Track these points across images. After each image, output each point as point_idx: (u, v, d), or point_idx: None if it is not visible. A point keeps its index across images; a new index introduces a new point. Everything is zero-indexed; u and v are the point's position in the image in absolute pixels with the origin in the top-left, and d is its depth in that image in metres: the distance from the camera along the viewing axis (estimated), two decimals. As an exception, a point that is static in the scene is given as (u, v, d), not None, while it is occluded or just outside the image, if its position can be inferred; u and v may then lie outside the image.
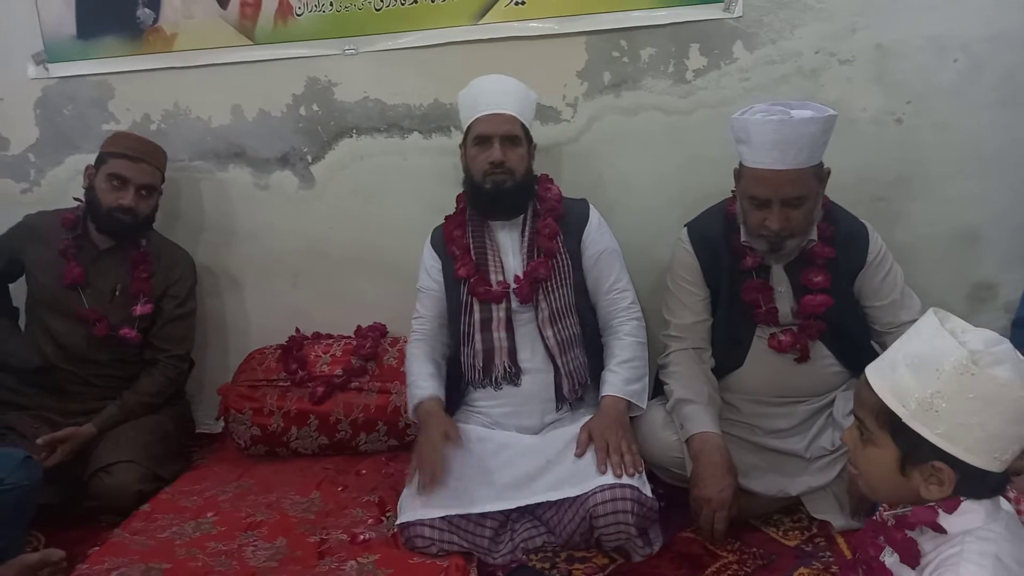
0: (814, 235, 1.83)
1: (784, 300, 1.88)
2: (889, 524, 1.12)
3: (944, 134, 2.16)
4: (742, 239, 1.86)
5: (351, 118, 2.38)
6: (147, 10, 2.39)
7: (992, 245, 2.23)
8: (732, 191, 1.93)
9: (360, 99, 2.37)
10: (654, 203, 2.27)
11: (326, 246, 2.50)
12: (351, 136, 2.40)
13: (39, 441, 2.01)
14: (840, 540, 1.77)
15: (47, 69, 2.49)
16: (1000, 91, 2.11)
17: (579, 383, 1.94)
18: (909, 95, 2.14)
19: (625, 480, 1.68)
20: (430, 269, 2.06)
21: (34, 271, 2.27)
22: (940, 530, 1.05)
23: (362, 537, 1.81)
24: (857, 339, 1.90)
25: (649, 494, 1.71)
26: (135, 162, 2.20)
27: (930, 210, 2.21)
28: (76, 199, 2.30)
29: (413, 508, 1.73)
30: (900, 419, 1.04)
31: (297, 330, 2.45)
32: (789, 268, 1.86)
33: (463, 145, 2.00)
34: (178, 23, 2.39)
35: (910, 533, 1.08)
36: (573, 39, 2.22)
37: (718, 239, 1.91)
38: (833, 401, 1.91)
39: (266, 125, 2.43)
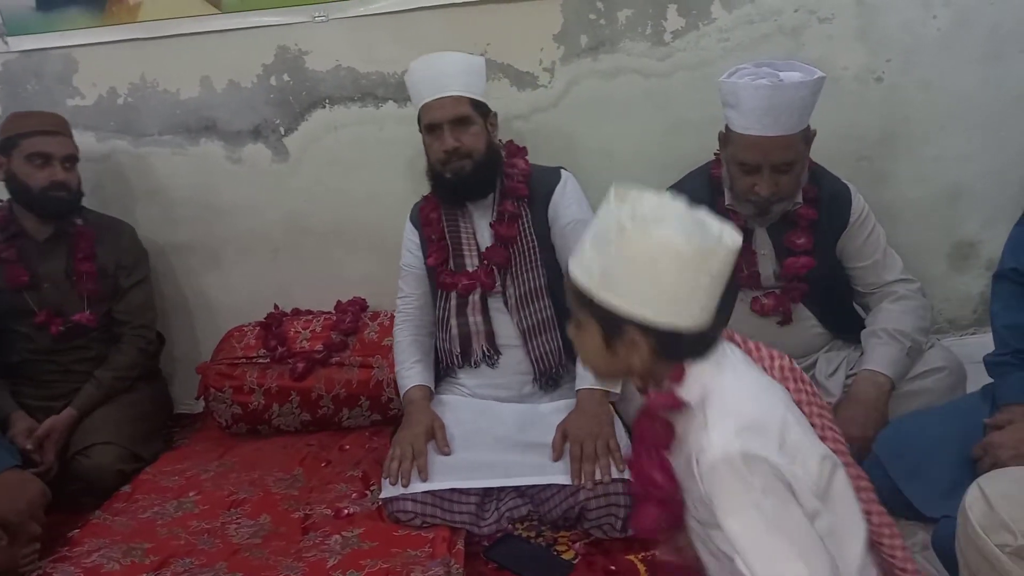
0: (799, 198, 1.81)
1: (766, 263, 1.87)
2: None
3: (928, 91, 2.14)
4: (726, 203, 1.84)
5: (323, 88, 2.33)
6: (109, -20, 2.31)
7: (975, 203, 2.22)
8: (716, 153, 1.90)
9: (332, 68, 2.31)
10: (634, 168, 2.24)
11: (303, 220, 2.46)
12: (324, 106, 2.34)
13: (28, 446, 1.99)
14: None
15: (6, 43, 2.40)
16: (984, 47, 2.09)
17: (552, 366, 1.91)
18: (891, 52, 2.12)
19: (615, 474, 1.65)
20: (411, 247, 2.03)
21: None
22: (680, 403, 1.07)
23: (346, 511, 1.79)
24: (839, 300, 1.90)
25: None
26: (52, 135, 2.13)
27: (913, 169, 2.20)
28: None
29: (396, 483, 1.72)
30: (590, 294, 1.07)
31: (276, 307, 2.41)
32: (772, 231, 1.85)
33: (419, 124, 1.93)
34: (142, -8, 2.31)
35: (668, 416, 1.10)
36: (549, 1, 2.17)
37: (701, 202, 1.85)
38: (816, 363, 1.91)
39: (236, 97, 2.36)
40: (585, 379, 1.82)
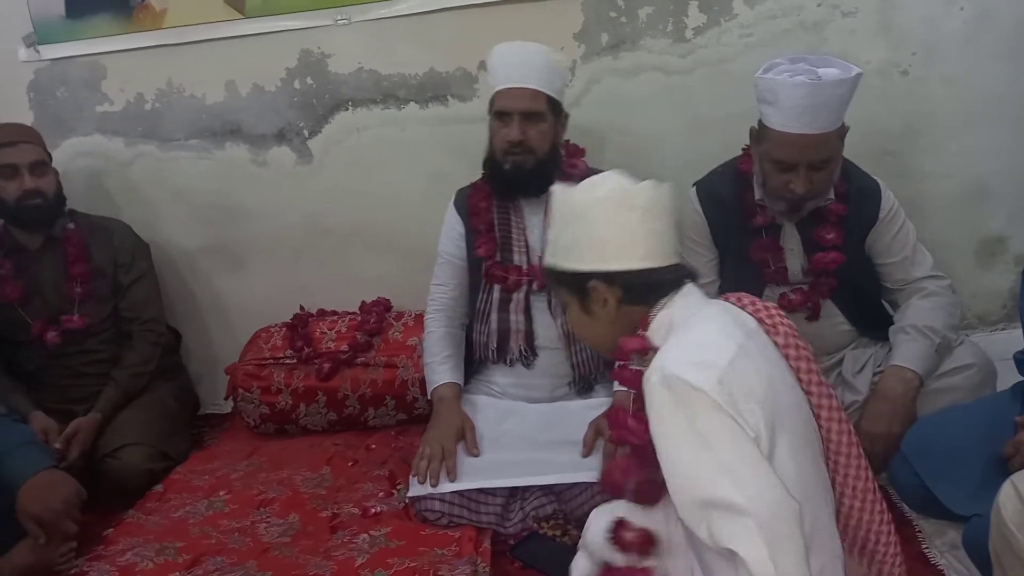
0: (831, 194, 1.80)
1: (794, 258, 1.85)
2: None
3: (952, 86, 2.11)
4: (756, 198, 1.83)
5: (346, 90, 2.35)
6: (135, -14, 2.35)
7: (1002, 198, 2.20)
8: (743, 148, 1.89)
9: (354, 70, 2.33)
10: (656, 164, 2.23)
11: (327, 222, 2.48)
12: (347, 109, 2.36)
13: (56, 445, 2.03)
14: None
15: (38, 51, 2.45)
16: (1010, 41, 2.06)
17: (591, 372, 1.90)
18: (915, 46, 2.10)
19: None
20: (452, 234, 1.98)
21: None
22: (647, 346, 1.13)
23: (373, 510, 1.81)
24: (867, 297, 1.88)
25: None
26: (13, 146, 2.14)
27: (938, 163, 2.17)
28: None
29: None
30: (555, 268, 1.21)
31: (301, 307, 2.44)
32: (800, 226, 1.83)
33: (491, 107, 1.88)
34: (167, -1, 2.34)
35: (639, 360, 1.15)
36: (569, 1, 2.17)
37: (728, 197, 1.88)
38: (843, 360, 1.89)
39: (261, 100, 2.40)
40: None
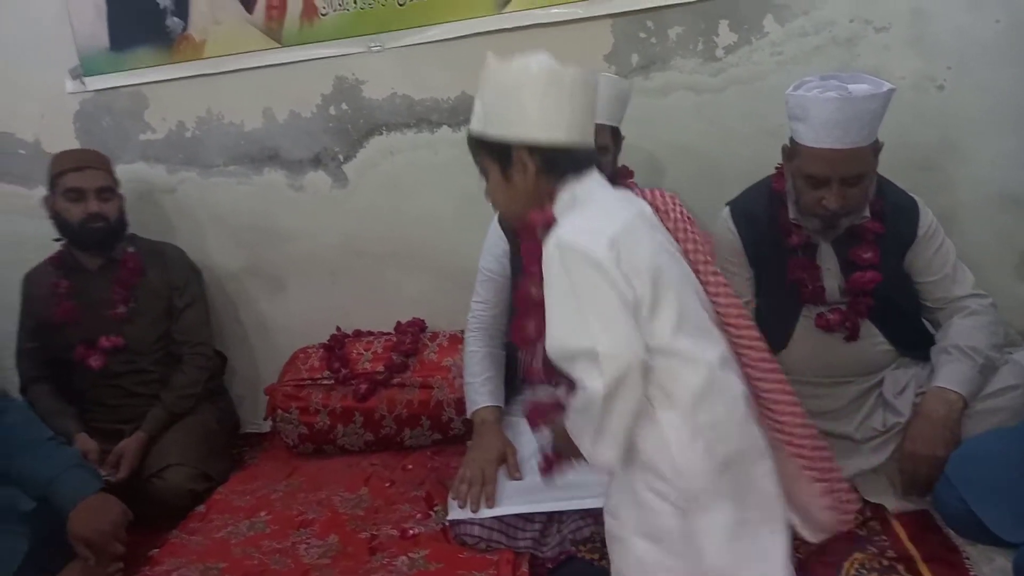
0: (867, 211, 1.78)
1: (831, 278, 1.83)
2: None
3: (988, 98, 2.08)
4: (791, 216, 1.82)
5: (380, 115, 2.39)
6: (176, 19, 2.42)
7: (1043, 211, 2.15)
8: (777, 167, 1.88)
9: (388, 95, 2.37)
10: (688, 183, 2.21)
11: (362, 244, 2.52)
12: (381, 133, 2.40)
13: (107, 462, 2.09)
14: (895, 523, 1.72)
15: (83, 83, 2.53)
16: (1048, 51, 2.02)
17: None
18: (950, 60, 2.07)
19: None
20: (496, 251, 1.96)
21: (44, 321, 2.29)
22: (553, 219, 1.22)
23: (412, 532, 1.83)
24: (907, 316, 1.86)
25: None
26: (82, 171, 2.24)
27: (975, 177, 2.13)
28: (55, 239, 2.32)
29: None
30: (481, 135, 1.29)
31: (338, 328, 2.48)
32: (836, 245, 1.82)
33: None
34: (206, 29, 2.41)
35: (543, 233, 1.23)
36: (598, 22, 2.19)
37: (763, 217, 1.87)
38: (883, 380, 1.86)
39: (297, 126, 2.45)
40: None
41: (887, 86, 1.64)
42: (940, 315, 1.83)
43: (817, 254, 1.83)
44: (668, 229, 1.30)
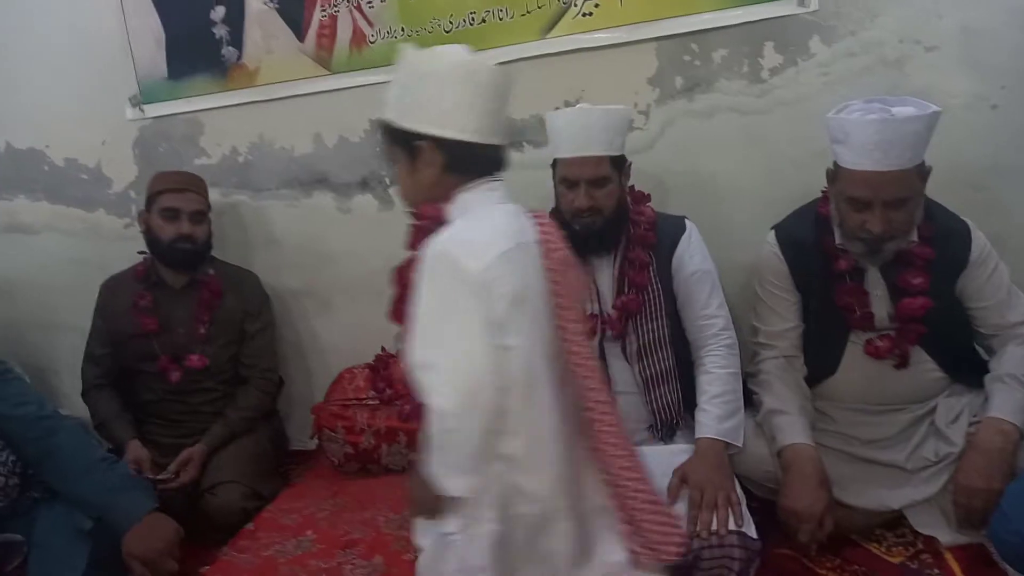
0: (914, 236, 1.75)
1: (880, 304, 1.80)
2: None
3: (1046, 117, 2.02)
4: (836, 241, 1.80)
5: (426, 139, 2.43)
6: (231, 48, 2.51)
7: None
8: (823, 191, 1.86)
9: (434, 120, 2.41)
10: (734, 206, 2.22)
11: (407, 265, 2.55)
12: (427, 157, 2.44)
13: (170, 467, 2.18)
14: (949, 556, 1.68)
15: (143, 110, 2.64)
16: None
17: (673, 417, 1.88)
18: (1004, 79, 2.02)
19: (733, 526, 1.60)
20: None
21: (120, 330, 2.38)
22: (441, 217, 1.25)
23: (455, 554, 1.84)
24: (959, 343, 1.82)
25: (754, 535, 1.62)
26: (181, 193, 2.32)
27: (1030, 199, 2.08)
28: (140, 252, 2.42)
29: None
30: (392, 123, 1.30)
31: (383, 348, 2.51)
32: (885, 270, 1.79)
33: (553, 166, 1.93)
34: (260, 58, 2.49)
35: (429, 226, 1.27)
36: (642, 46, 2.19)
37: (809, 241, 1.85)
38: (935, 409, 1.82)
39: (346, 151, 2.51)
40: (708, 428, 1.76)
41: (932, 108, 1.62)
42: (994, 342, 1.78)
43: (865, 279, 1.80)
44: (544, 266, 1.29)
